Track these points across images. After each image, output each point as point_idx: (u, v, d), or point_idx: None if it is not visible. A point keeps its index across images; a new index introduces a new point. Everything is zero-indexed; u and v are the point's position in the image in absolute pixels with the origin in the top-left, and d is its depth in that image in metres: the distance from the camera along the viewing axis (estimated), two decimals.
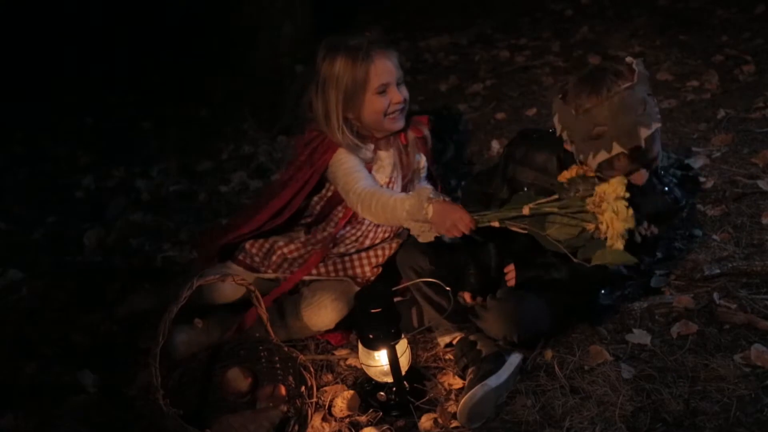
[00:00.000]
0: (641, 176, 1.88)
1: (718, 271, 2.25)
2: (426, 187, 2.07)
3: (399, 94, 2.23)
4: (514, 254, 2.11)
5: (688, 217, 2.57)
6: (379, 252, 2.36)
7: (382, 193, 2.16)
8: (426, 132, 2.41)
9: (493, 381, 1.92)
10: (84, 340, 2.40)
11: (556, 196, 1.92)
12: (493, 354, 2.00)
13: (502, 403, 1.93)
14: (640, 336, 2.06)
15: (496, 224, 1.94)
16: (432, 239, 2.01)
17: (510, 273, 2.07)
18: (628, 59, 1.84)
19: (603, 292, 2.23)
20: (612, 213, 1.79)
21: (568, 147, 1.95)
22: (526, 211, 1.91)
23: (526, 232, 1.93)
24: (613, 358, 1.99)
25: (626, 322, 2.14)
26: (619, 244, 1.80)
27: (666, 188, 2.02)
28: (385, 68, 2.20)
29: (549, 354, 2.05)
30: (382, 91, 2.21)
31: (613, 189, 1.80)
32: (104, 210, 3.34)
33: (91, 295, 2.64)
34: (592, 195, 1.85)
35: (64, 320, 2.51)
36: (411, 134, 2.37)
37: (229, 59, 4.64)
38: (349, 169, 2.23)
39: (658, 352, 1.99)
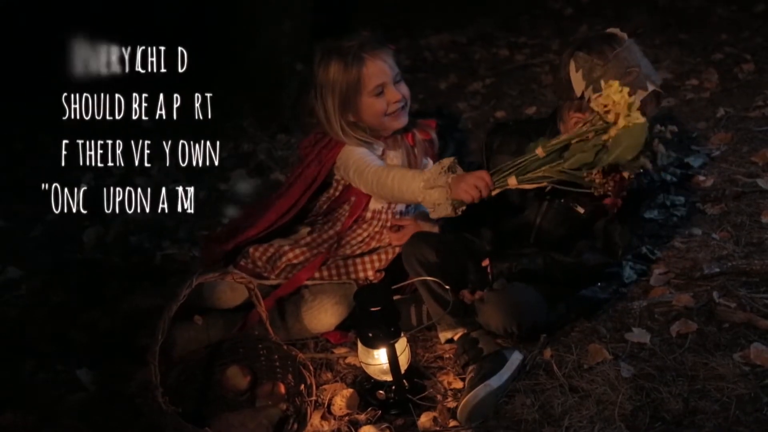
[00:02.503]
0: None
1: (717, 269, 2.25)
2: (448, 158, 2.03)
3: (396, 93, 2.23)
4: (494, 245, 2.16)
5: (688, 215, 2.57)
6: (383, 256, 2.35)
7: (400, 168, 2.16)
8: (433, 135, 2.42)
9: (495, 381, 1.92)
10: (83, 338, 2.40)
11: (564, 134, 1.93)
12: (495, 353, 2.00)
13: (501, 402, 1.93)
14: (639, 335, 2.06)
15: (514, 183, 1.92)
16: (446, 213, 1.96)
17: (487, 266, 2.11)
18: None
19: (599, 285, 2.25)
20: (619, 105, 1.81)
21: (576, 117, 1.99)
22: (540, 152, 1.89)
23: (545, 185, 1.93)
24: (612, 357, 1.99)
25: (625, 321, 2.14)
26: (636, 115, 1.80)
27: (640, 169, 2.03)
28: (377, 69, 2.20)
29: (548, 353, 2.05)
30: (379, 92, 2.21)
31: (611, 92, 1.81)
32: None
33: (90, 293, 2.64)
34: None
35: (63, 318, 2.51)
36: (418, 136, 2.37)
37: (229, 56, 4.63)
38: (361, 154, 2.23)
39: (657, 350, 1.99)
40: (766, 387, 1.81)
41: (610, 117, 1.82)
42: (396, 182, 2.06)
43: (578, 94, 1.97)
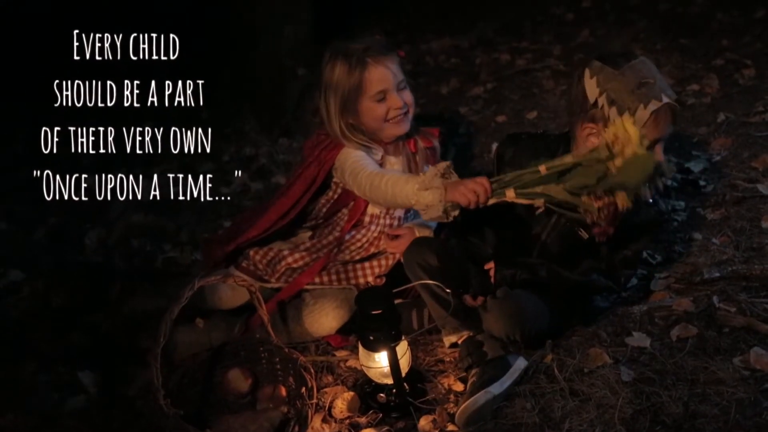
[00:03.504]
0: (660, 151, 1.96)
1: (717, 274, 2.25)
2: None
3: (399, 99, 2.23)
4: (497, 252, 2.16)
5: (688, 220, 2.58)
6: (383, 262, 2.36)
7: (395, 172, 2.16)
8: (435, 143, 2.42)
9: (496, 388, 1.92)
10: (84, 340, 2.41)
11: (569, 155, 1.94)
12: (498, 358, 2.00)
13: (501, 405, 1.93)
14: (639, 339, 2.07)
15: (512, 196, 1.92)
16: (439, 215, 1.95)
17: (491, 270, 2.11)
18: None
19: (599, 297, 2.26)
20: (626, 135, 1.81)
21: (588, 127, 1.98)
22: (542, 169, 1.90)
23: (541, 203, 1.92)
24: (612, 361, 2.00)
25: (626, 325, 2.14)
26: (642, 149, 1.80)
27: (650, 200, 2.04)
28: (380, 75, 2.21)
29: (548, 357, 2.06)
30: (381, 98, 2.22)
31: (624, 127, 1.81)
32: (106, 210, 3.34)
33: (92, 296, 2.65)
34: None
35: (64, 320, 2.52)
36: (420, 143, 2.37)
37: (230, 60, 4.64)
38: (358, 157, 2.24)
39: (657, 355, 2.00)
40: (766, 391, 1.81)
41: (617, 148, 1.83)
42: (390, 186, 2.06)
43: (591, 100, 1.96)
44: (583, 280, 2.07)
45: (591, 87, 1.96)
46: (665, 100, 1.91)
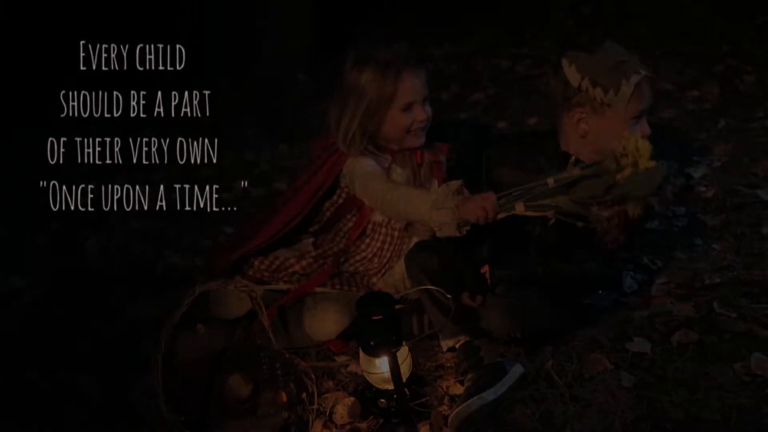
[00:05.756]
0: (645, 126, 2.04)
1: (718, 280, 2.25)
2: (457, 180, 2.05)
3: (423, 113, 2.23)
4: (493, 250, 2.17)
5: (689, 226, 2.58)
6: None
7: (407, 187, 2.16)
8: (442, 158, 2.41)
9: (490, 394, 1.91)
10: (85, 347, 2.41)
11: (576, 168, 1.98)
12: (495, 363, 2.00)
13: (501, 411, 1.93)
14: (640, 344, 2.07)
15: (522, 209, 1.94)
16: (452, 233, 1.97)
17: (486, 272, 2.12)
18: None
19: (600, 292, 2.26)
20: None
21: (578, 113, 2.04)
22: (550, 182, 1.92)
23: (551, 214, 1.94)
24: (613, 367, 2.00)
25: (626, 331, 2.14)
26: (651, 162, 1.85)
27: (658, 209, 2.04)
28: (413, 87, 2.20)
29: (549, 362, 2.06)
30: (407, 108, 2.21)
31: (635, 143, 1.86)
32: (106, 217, 3.34)
33: (92, 302, 2.65)
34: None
35: (65, 326, 2.52)
36: (427, 157, 2.36)
37: (232, 66, 4.65)
38: (370, 167, 2.23)
39: (658, 360, 2.00)
40: (767, 397, 1.81)
41: (625, 161, 1.86)
42: (402, 202, 2.07)
43: (575, 85, 2.04)
44: (579, 269, 2.08)
45: (572, 73, 2.04)
46: (643, 72, 2.01)
